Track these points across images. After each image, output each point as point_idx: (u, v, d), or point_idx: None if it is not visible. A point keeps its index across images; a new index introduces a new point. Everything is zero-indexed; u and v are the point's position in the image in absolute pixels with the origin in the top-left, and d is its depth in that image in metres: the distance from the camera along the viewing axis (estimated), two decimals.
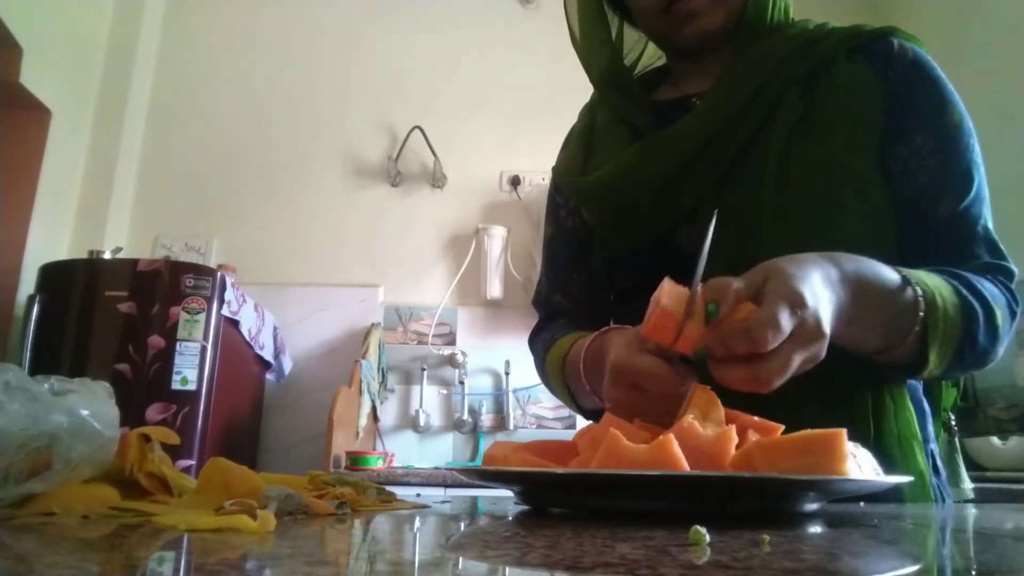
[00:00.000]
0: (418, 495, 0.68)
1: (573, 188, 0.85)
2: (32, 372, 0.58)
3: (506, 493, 0.57)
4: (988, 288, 0.63)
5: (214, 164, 2.93)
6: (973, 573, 0.27)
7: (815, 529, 0.38)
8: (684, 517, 0.38)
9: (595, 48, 0.84)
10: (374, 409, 2.59)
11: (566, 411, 2.72)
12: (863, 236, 0.67)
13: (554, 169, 0.91)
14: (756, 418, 0.50)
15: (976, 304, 0.61)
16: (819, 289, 0.51)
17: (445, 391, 2.76)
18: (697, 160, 0.73)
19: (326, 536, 0.36)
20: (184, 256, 2.74)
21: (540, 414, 2.75)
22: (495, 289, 2.80)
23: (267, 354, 2.43)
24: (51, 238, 2.51)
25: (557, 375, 0.79)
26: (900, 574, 0.27)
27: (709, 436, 0.44)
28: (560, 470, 0.45)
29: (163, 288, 1.98)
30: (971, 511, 0.62)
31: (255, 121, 2.98)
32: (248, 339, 2.26)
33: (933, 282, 0.60)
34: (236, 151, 2.95)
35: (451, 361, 2.73)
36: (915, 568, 0.29)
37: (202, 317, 1.99)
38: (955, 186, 0.68)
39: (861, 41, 0.73)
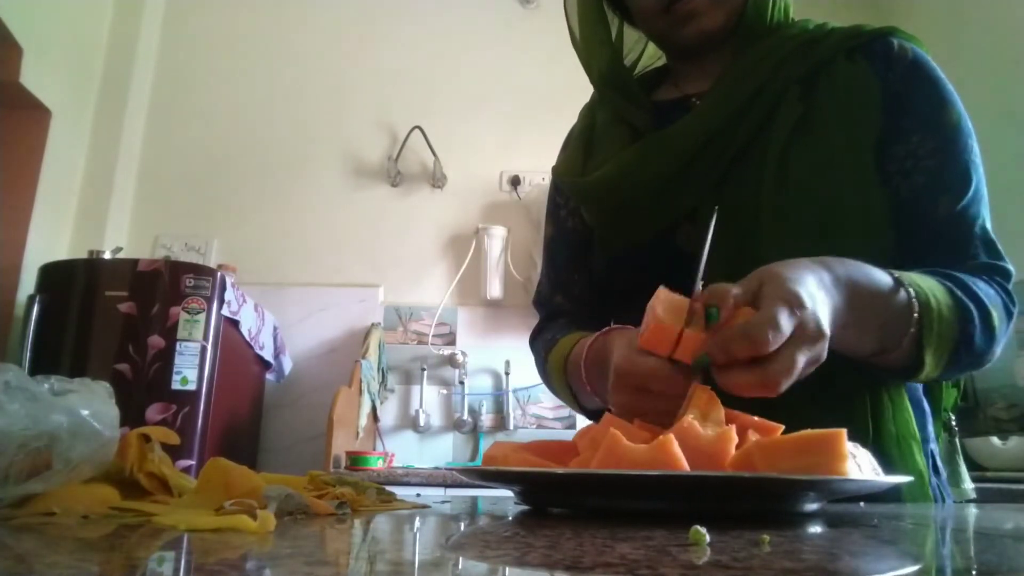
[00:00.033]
0: (418, 495, 0.68)
1: (573, 188, 0.85)
2: (32, 372, 0.58)
3: (506, 493, 0.57)
4: (983, 289, 0.63)
5: (214, 164, 2.93)
6: (973, 573, 0.27)
7: (815, 529, 0.38)
8: (684, 517, 0.38)
9: (595, 48, 0.84)
10: (374, 409, 2.59)
11: (566, 411, 2.72)
12: (863, 236, 0.67)
13: (554, 170, 0.91)
14: (756, 418, 0.49)
15: (971, 305, 0.61)
16: (815, 291, 0.51)
17: (445, 391, 2.76)
18: (697, 160, 0.73)
19: (326, 536, 0.36)
20: (184, 256, 2.74)
21: (540, 414, 2.75)
22: (495, 289, 2.80)
23: (267, 354, 2.43)
24: (51, 238, 2.51)
25: (559, 375, 0.79)
26: (900, 574, 0.27)
27: (709, 436, 0.44)
28: (560, 470, 0.45)
29: (163, 288, 1.98)
30: (971, 511, 0.62)
31: (255, 121, 2.98)
32: (248, 339, 2.26)
33: (927, 284, 0.60)
34: (236, 151, 2.95)
35: (451, 361, 2.73)
36: (915, 568, 0.29)
37: (202, 317, 1.99)
38: (953, 186, 0.68)
39: (861, 41, 0.73)
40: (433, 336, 2.80)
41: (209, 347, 2.01)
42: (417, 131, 2.89)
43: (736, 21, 0.77)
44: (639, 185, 0.75)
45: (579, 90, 0.93)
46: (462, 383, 2.73)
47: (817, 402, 0.63)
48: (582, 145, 0.86)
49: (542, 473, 0.45)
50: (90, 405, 0.44)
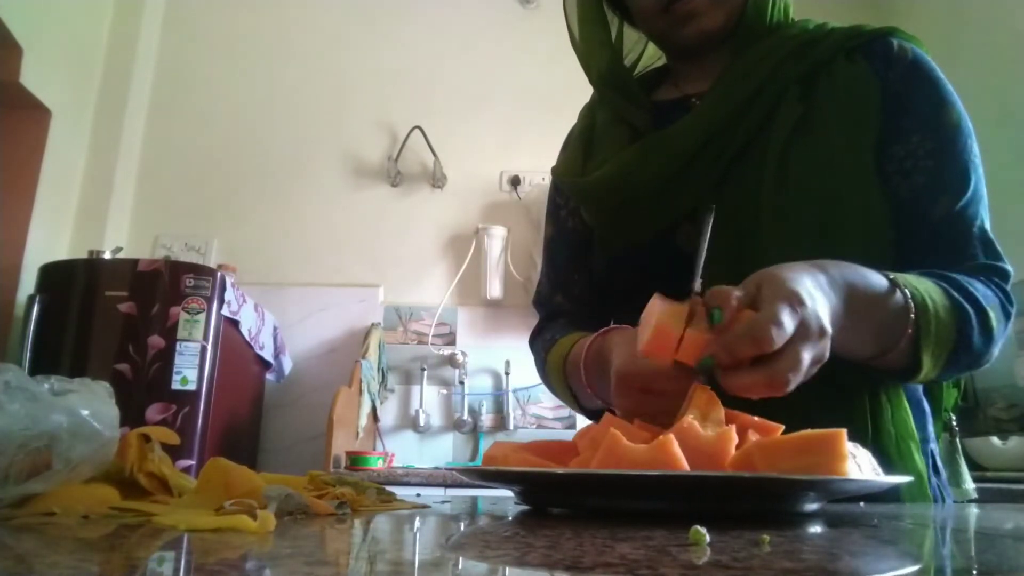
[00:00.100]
0: (418, 495, 0.68)
1: (573, 188, 0.85)
2: (32, 372, 0.58)
3: (506, 493, 0.57)
4: (980, 290, 0.63)
5: (214, 164, 2.93)
6: (973, 573, 0.27)
7: (815, 529, 0.38)
8: (684, 517, 0.38)
9: (595, 49, 0.84)
10: (374, 409, 2.59)
11: (566, 411, 2.72)
12: (862, 236, 0.67)
13: (553, 170, 0.91)
14: (756, 418, 0.49)
15: (968, 306, 0.61)
16: (813, 292, 0.51)
17: (445, 391, 2.76)
18: (697, 160, 0.73)
19: (326, 536, 0.36)
20: (184, 256, 2.74)
21: (540, 414, 2.75)
22: (495, 289, 2.80)
23: (267, 354, 2.43)
24: (51, 238, 2.51)
25: (558, 375, 0.79)
26: (900, 574, 0.27)
27: (709, 436, 0.44)
28: (560, 470, 0.45)
29: (163, 288, 1.98)
30: (971, 511, 0.62)
31: (255, 121, 2.98)
32: (248, 339, 2.26)
33: (923, 285, 0.60)
34: (236, 151, 2.95)
35: (451, 361, 2.73)
36: (915, 568, 0.29)
37: (202, 317, 1.99)
38: (952, 186, 0.68)
39: (861, 41, 0.73)
40: (433, 336, 2.80)
41: (209, 347, 2.01)
42: (417, 131, 2.89)
43: (736, 21, 0.77)
44: (639, 185, 0.75)
45: (579, 90, 0.93)
46: (462, 383, 2.73)
47: (817, 402, 0.63)
48: (582, 145, 0.86)
49: (542, 473, 0.45)
50: (90, 405, 0.44)
